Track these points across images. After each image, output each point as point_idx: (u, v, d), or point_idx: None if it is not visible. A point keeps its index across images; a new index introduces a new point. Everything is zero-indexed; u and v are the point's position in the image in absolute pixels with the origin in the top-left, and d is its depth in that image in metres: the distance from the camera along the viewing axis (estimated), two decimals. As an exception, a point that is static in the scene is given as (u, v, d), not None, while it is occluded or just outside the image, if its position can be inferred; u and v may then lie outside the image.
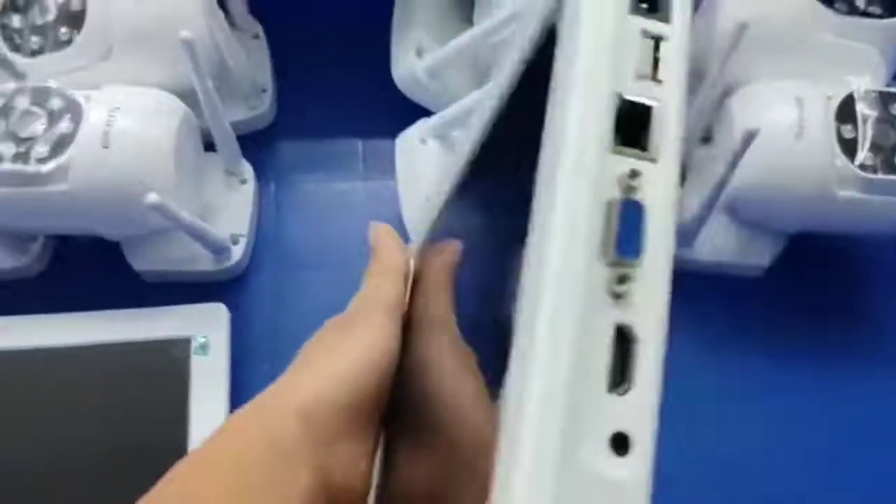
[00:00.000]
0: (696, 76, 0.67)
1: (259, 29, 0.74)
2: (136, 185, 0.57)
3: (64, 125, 0.59)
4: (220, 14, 0.63)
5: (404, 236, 0.62)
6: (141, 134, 0.58)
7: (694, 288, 0.68)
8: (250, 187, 0.69)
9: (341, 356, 0.32)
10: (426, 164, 0.64)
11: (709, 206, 0.61)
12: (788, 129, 0.59)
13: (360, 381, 0.31)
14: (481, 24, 0.65)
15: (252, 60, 0.72)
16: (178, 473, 0.30)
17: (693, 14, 0.27)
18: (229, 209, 0.68)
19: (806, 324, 0.68)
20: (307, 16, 0.75)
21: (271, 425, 0.30)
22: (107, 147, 0.57)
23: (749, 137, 0.54)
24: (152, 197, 0.53)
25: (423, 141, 0.65)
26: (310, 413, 0.30)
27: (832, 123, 0.60)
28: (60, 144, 0.58)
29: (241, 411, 0.32)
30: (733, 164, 0.56)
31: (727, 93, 0.64)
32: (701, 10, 0.63)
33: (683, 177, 0.64)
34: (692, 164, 0.68)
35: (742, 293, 0.68)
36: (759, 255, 0.66)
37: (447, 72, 0.67)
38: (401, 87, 0.69)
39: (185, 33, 0.55)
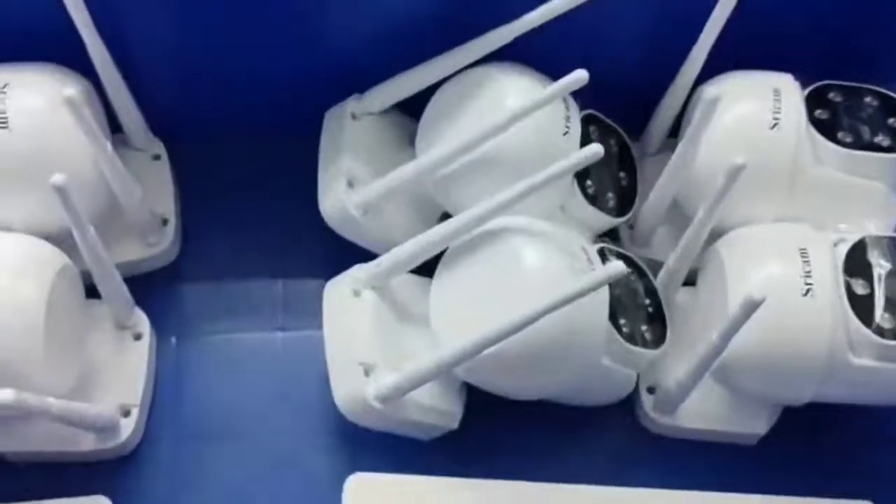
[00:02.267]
0: (678, 215, 0.61)
1: (161, 149, 0.66)
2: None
3: None
4: (107, 144, 0.54)
5: (328, 400, 0.55)
6: (1, 300, 0.50)
7: (677, 455, 0.61)
8: (145, 343, 0.60)
9: None
10: (360, 319, 0.56)
11: (695, 378, 0.54)
12: (792, 286, 0.53)
13: None
14: (427, 155, 0.57)
15: (151, 187, 0.63)
16: None
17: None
18: (119, 373, 0.59)
19: (805, 495, 0.60)
20: (219, 134, 0.67)
21: None
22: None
23: (749, 308, 0.47)
24: (5, 395, 0.44)
25: (356, 293, 0.56)
26: None
27: (841, 277, 0.53)
28: None
29: None
30: (727, 336, 0.49)
31: (714, 234, 0.57)
32: (684, 139, 0.56)
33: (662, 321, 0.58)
34: (672, 312, 0.61)
35: (732, 462, 0.61)
36: (754, 424, 0.59)
37: (385, 207, 0.60)
38: (329, 223, 0.61)
39: (57, 178, 0.46)
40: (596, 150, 0.50)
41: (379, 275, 0.57)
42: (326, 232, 0.62)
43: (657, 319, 0.58)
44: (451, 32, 0.60)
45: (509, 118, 0.54)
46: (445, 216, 0.62)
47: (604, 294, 0.53)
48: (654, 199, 0.61)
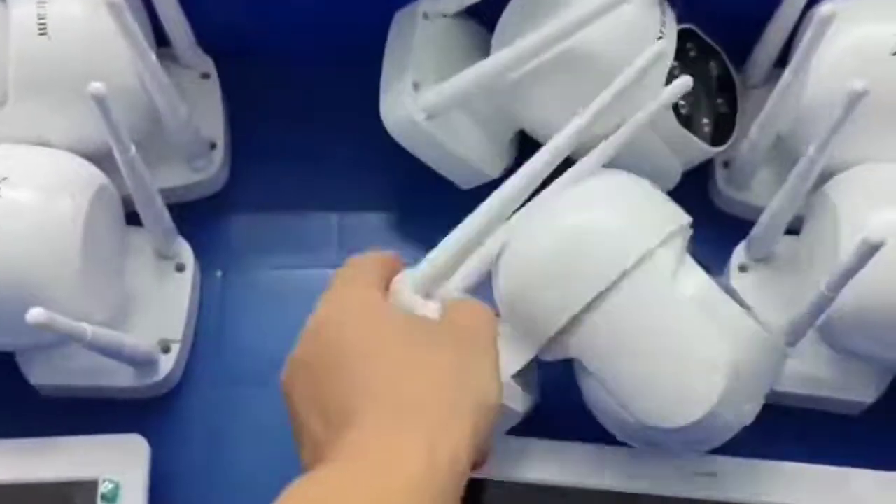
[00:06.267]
0: (783, 151, 0.61)
1: (210, 66, 0.67)
2: (25, 287, 0.51)
3: (-65, 196, 0.52)
4: (151, 53, 0.55)
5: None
6: (35, 216, 0.52)
7: (776, 426, 0.59)
8: (189, 275, 0.62)
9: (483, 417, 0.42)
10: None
11: (799, 334, 0.54)
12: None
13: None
14: (499, 55, 0.58)
15: (199, 108, 0.65)
16: None
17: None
18: (160, 305, 0.61)
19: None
20: (273, 49, 0.67)
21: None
22: (-12, 238, 0.50)
23: (866, 253, 0.46)
24: (36, 314, 0.46)
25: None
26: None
27: (970, 225, 0.52)
28: (-73, 223, 0.51)
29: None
30: (838, 286, 0.49)
31: (825, 174, 0.56)
32: (791, 64, 0.55)
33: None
34: (774, 257, 0.61)
35: (835, 433, 0.60)
36: (861, 391, 0.59)
37: (452, 115, 0.60)
38: (389, 128, 0.61)
39: (95, 86, 0.47)
40: (685, 82, 0.51)
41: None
42: (387, 161, 0.63)
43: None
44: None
45: (595, 9, 0.54)
46: (518, 136, 0.63)
47: (666, 48, 0.56)
48: (755, 135, 0.60)
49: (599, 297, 0.48)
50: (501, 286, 0.50)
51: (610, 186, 0.52)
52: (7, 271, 0.51)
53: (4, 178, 0.52)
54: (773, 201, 0.57)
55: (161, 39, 0.64)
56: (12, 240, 0.51)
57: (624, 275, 0.48)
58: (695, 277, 0.50)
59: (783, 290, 0.60)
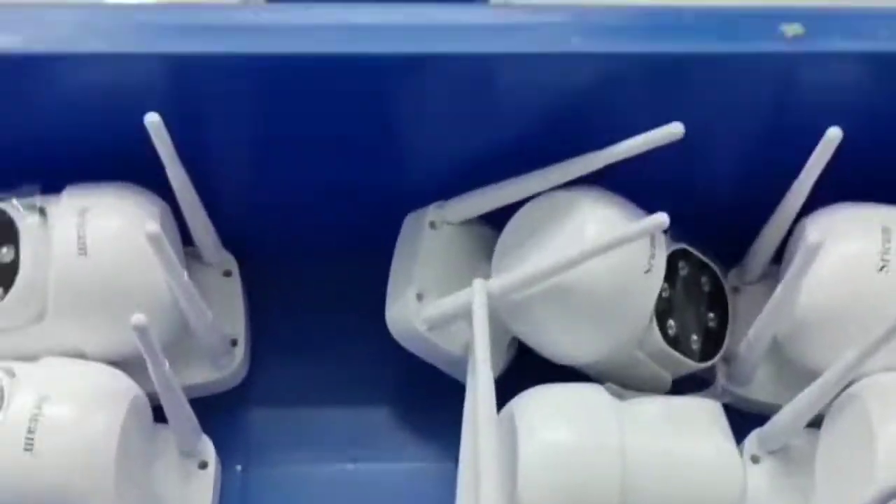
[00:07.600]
0: (778, 354, 0.64)
1: (233, 264, 0.71)
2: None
3: (-21, 413, 0.55)
4: (184, 273, 0.59)
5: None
6: (72, 433, 0.55)
7: None
8: (211, 472, 0.64)
9: None
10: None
11: None
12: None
13: None
14: (498, 279, 0.61)
15: (220, 305, 0.68)
16: None
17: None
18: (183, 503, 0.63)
19: None
20: (295, 249, 0.72)
21: None
22: (30, 450, 0.54)
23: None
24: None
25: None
26: None
27: None
28: (-29, 440, 0.54)
29: None
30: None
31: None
32: (783, 282, 0.59)
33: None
34: (788, 449, 0.63)
35: None
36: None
37: (452, 325, 0.64)
38: (393, 333, 0.65)
39: (138, 317, 0.51)
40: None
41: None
42: (401, 358, 0.66)
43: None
44: (538, 156, 0.64)
45: (582, 254, 0.58)
46: (515, 341, 0.66)
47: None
48: (753, 338, 0.63)
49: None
50: None
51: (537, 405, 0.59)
52: (45, 491, 0.54)
53: (46, 397, 0.55)
54: (795, 401, 0.59)
55: (184, 236, 0.68)
56: (52, 456, 0.54)
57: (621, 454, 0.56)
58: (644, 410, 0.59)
59: (798, 484, 0.61)
